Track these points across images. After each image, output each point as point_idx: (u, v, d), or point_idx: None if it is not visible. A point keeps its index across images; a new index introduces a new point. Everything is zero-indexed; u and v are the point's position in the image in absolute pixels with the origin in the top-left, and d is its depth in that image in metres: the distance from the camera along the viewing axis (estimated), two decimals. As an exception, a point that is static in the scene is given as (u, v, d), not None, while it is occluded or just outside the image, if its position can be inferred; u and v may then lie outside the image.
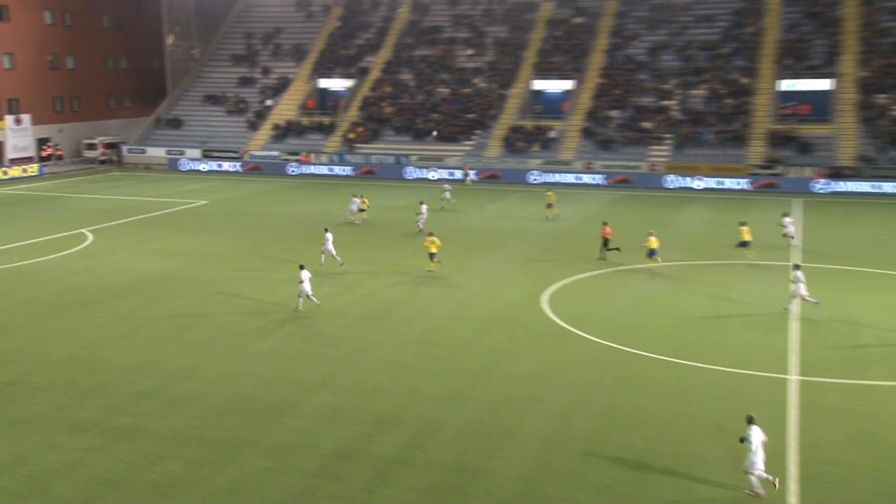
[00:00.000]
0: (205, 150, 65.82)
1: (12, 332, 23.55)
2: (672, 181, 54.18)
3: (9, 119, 62.00)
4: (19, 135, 63.04)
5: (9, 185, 55.04)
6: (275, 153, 64.17)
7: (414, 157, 61.07)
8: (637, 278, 29.23)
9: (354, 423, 17.59)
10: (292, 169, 62.17)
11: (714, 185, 53.10)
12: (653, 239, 30.72)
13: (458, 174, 57.41)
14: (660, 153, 56.86)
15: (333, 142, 64.96)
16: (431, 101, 65.94)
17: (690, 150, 56.33)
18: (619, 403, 18.38)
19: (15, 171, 58.60)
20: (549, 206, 42.57)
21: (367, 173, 60.61)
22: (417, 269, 30.84)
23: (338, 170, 60.91)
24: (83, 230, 38.69)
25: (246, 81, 72.99)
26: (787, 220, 34.84)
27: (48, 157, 65.05)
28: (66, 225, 40.07)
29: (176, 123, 69.96)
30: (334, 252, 30.73)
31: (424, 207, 37.91)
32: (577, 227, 38.94)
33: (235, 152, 65.26)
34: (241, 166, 63.62)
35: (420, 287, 28.40)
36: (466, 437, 16.89)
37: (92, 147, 68.21)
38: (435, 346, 22.37)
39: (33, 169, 60.23)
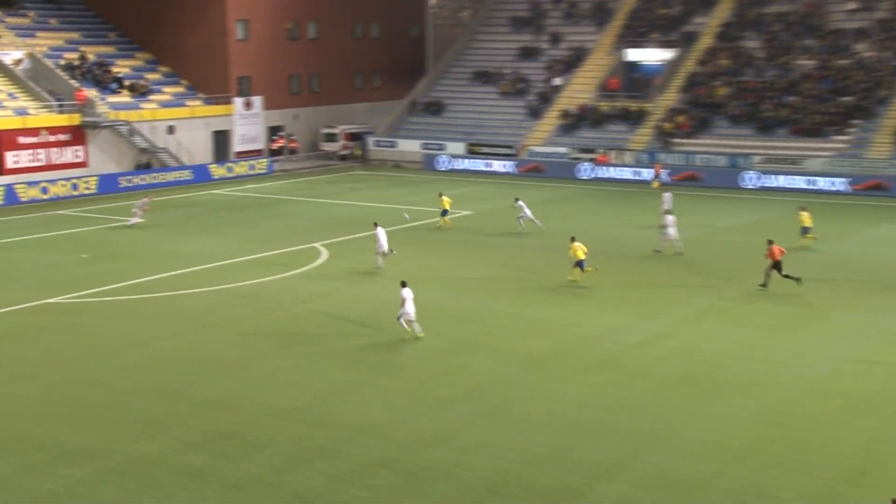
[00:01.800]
0: (470, 145, 68.67)
1: (231, 370, 25.88)
2: None
3: (237, 103, 69.25)
4: (249, 122, 70.13)
5: (232, 185, 61.32)
6: (562, 149, 65.27)
7: (757, 159, 59.00)
8: None
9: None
10: (585, 171, 62.81)
11: None
12: None
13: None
14: None
15: (642, 135, 64.69)
16: (787, 79, 63.41)
17: None
18: None
19: (241, 168, 65.24)
20: None
21: (687, 179, 59.54)
22: (760, 316, 29.75)
23: (647, 173, 60.50)
24: (316, 244, 41.86)
25: (528, 53, 75.25)
26: None
27: (279, 151, 71.65)
28: (297, 237, 43.59)
29: (435, 109, 73.79)
30: (385, 250, 36.36)
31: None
32: None
33: (510, 147, 67.35)
34: (517, 166, 65.47)
35: (761, 341, 27.53)
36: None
37: (332, 138, 73.99)
38: (782, 429, 21.45)
39: (262, 165, 66.64)
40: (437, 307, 31.74)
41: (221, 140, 68.45)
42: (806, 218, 40.25)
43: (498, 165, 66.13)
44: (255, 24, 70.79)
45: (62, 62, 63.21)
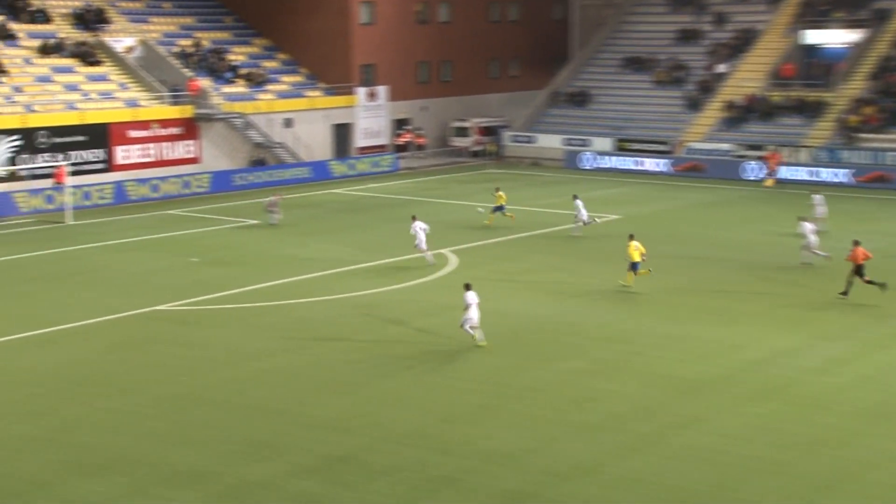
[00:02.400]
0: (619, 141, 68.24)
1: (349, 389, 26.33)
2: None
3: (361, 93, 70.39)
4: (372, 114, 71.22)
5: (353, 184, 62.36)
6: (725, 146, 64.24)
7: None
8: None
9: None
10: (752, 171, 61.64)
11: None
12: None
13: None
14: None
15: (821, 130, 63.11)
16: None
17: None
18: None
19: (363, 165, 66.32)
20: None
21: (875, 181, 57.90)
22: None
23: (826, 173, 59.02)
24: (444, 250, 42.22)
25: (688, 37, 74.37)
26: None
27: (405, 147, 72.52)
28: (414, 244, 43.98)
29: (580, 100, 73.54)
30: (424, 247, 38.91)
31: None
32: None
33: (664, 143, 66.68)
34: (672, 165, 64.80)
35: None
36: None
37: (463, 133, 74.49)
38: None
39: (386, 162, 67.57)
40: (575, 323, 31.65)
41: (342, 134, 69.70)
42: None
43: (650, 164, 65.53)
44: (381, 7, 71.79)
45: (175, 49, 65.40)
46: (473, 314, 28.82)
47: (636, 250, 35.03)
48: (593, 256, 41.24)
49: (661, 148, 66.35)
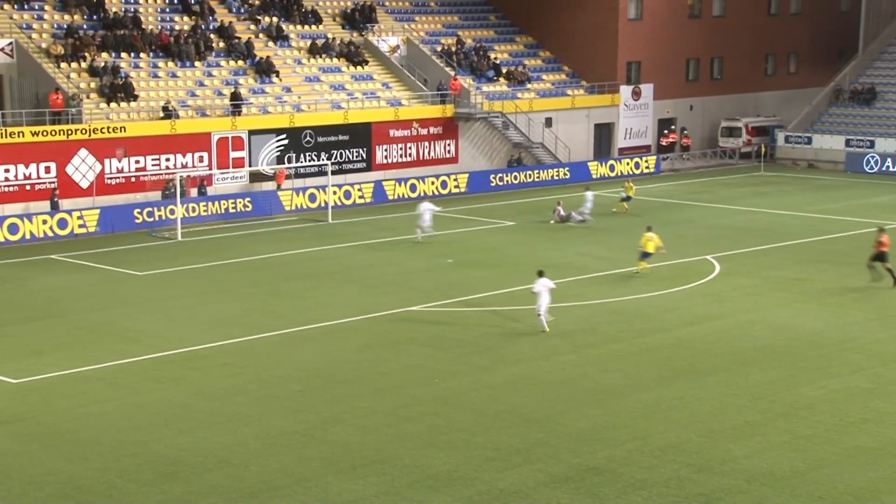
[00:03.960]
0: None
1: (605, 398, 26.26)
2: None
3: (624, 91, 69.98)
4: (636, 114, 70.66)
5: (614, 186, 62.04)
6: None
7: None
8: None
9: None
10: None
11: None
12: None
13: None
14: None
15: None
16: None
17: None
18: None
19: (624, 167, 65.90)
20: None
21: None
22: None
23: None
24: (709, 257, 41.47)
25: None
26: None
27: (670, 147, 71.60)
28: (686, 247, 43.40)
29: (866, 98, 70.69)
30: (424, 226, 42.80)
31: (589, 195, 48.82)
32: None
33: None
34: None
35: None
36: None
37: (732, 133, 72.83)
38: None
39: (648, 164, 66.91)
40: (853, 338, 30.50)
41: (604, 134, 69.51)
42: None
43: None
44: (651, 2, 71.00)
45: (438, 48, 66.96)
46: (543, 301, 30.97)
47: (650, 241, 38.00)
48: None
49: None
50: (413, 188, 57.94)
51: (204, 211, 51.07)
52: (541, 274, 31.20)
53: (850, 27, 78.30)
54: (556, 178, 62.70)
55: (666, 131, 72.17)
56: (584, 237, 46.40)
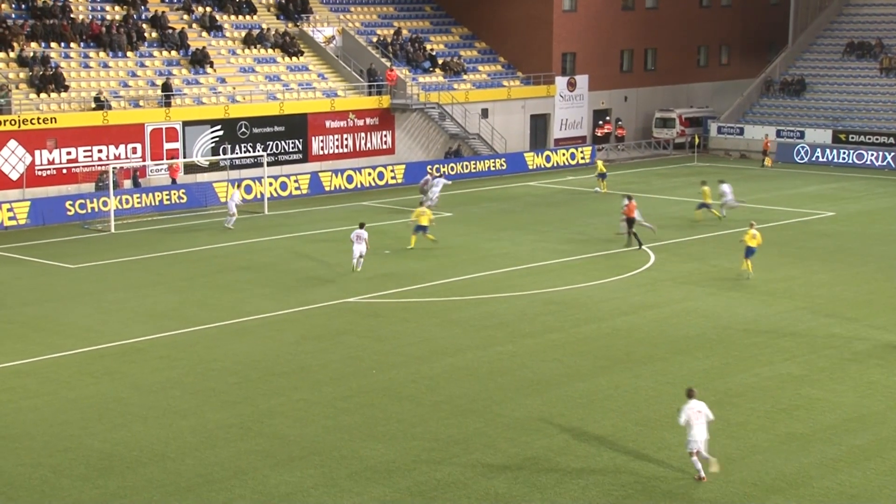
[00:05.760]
0: (837, 132, 66.06)
1: (542, 388, 26.38)
2: None
3: (559, 82, 70.27)
4: (571, 105, 71.03)
5: (548, 177, 62.36)
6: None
7: None
8: None
9: None
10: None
11: None
12: None
13: None
14: None
15: None
16: None
17: None
18: None
19: (560, 157, 66.19)
20: None
21: None
22: None
23: None
24: (643, 247, 41.80)
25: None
26: None
27: (605, 138, 72.04)
28: (621, 239, 43.68)
29: (796, 89, 71.60)
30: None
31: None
32: None
33: (889, 136, 64.12)
34: (895, 159, 62.28)
35: None
36: None
37: (666, 124, 73.47)
38: None
39: (584, 155, 67.25)
40: (784, 326, 30.91)
41: (540, 125, 69.81)
42: None
43: (871, 157, 63.25)
44: (585, -8, 71.52)
45: (374, 39, 66.75)
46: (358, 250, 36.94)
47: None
48: (806, 255, 40.20)
49: (886, 141, 63.85)
50: (350, 179, 57.76)
51: (138, 203, 50.50)
52: (361, 226, 37.75)
53: (779, 19, 79.39)
54: (492, 169, 62.83)
55: (601, 122, 72.61)
56: (520, 228, 46.53)
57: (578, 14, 71.22)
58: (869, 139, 64.67)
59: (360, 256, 37.69)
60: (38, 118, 50.40)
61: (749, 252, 36.40)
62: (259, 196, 52.44)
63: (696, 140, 70.15)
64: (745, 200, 50.06)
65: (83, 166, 51.76)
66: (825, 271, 37.99)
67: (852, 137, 65.43)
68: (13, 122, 49.46)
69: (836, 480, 20.68)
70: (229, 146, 56.07)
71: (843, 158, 64.16)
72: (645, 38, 75.16)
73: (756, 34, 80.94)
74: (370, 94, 62.11)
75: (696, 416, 20.84)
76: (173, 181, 53.54)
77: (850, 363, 27.75)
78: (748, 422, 23.76)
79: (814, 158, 65.25)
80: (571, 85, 70.66)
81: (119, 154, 52.78)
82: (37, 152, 50.30)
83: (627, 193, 45.33)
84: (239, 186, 48.81)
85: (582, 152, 67.17)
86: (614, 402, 25.21)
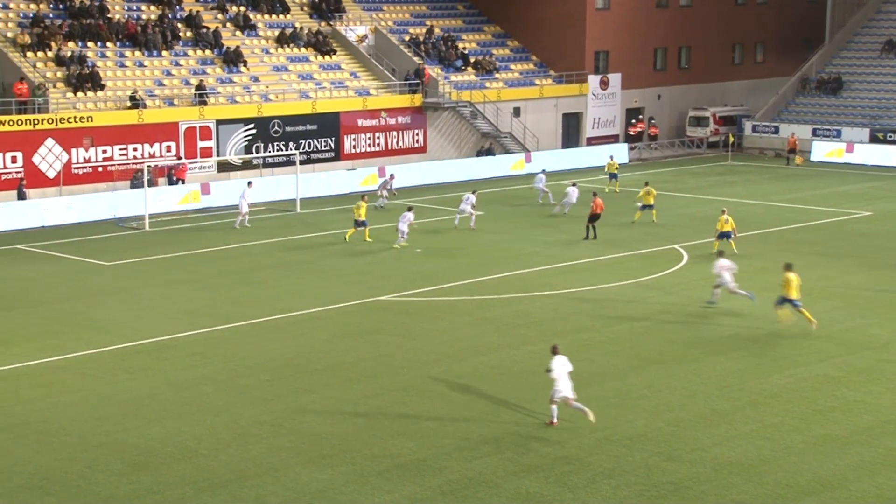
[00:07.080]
0: (874, 130, 65.49)
1: (577, 388, 26.30)
2: None
3: (592, 81, 70.04)
4: (604, 104, 70.79)
5: (583, 175, 62.20)
6: None
7: None
8: None
9: None
10: None
11: None
12: None
13: None
14: None
15: None
16: None
17: None
18: None
19: (591, 157, 65.86)
20: None
21: None
22: None
23: None
24: (676, 246, 41.61)
25: (953, 18, 70.73)
26: None
27: (637, 137, 71.73)
28: (654, 237, 43.54)
29: (832, 87, 71.13)
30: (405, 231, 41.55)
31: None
32: None
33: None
34: (932, 159, 61.96)
35: None
36: None
37: (700, 122, 73.06)
38: None
39: (618, 152, 66.85)
40: (827, 326, 30.66)
41: (572, 124, 69.61)
42: None
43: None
44: (618, -9, 71.29)
45: (406, 38, 66.78)
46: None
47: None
48: (842, 255, 39.90)
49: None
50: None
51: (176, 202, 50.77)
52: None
53: (816, 17, 78.83)
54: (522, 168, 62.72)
55: (634, 121, 72.33)
56: (551, 227, 46.44)
57: (612, 12, 70.95)
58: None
59: (403, 236, 40.88)
60: (75, 117, 50.80)
61: (722, 236, 39.22)
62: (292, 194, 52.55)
63: (731, 139, 69.72)
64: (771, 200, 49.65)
65: (118, 164, 52.10)
66: (862, 271, 37.71)
67: (890, 136, 64.84)
68: (50, 121, 49.87)
69: (872, 483, 20.51)
70: (262, 144, 56.26)
71: (882, 160, 63.43)
72: (679, 35, 74.78)
73: (792, 32, 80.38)
74: (402, 92, 62.12)
75: (560, 369, 23.52)
76: (181, 181, 53.23)
77: (888, 364, 27.54)
78: (783, 423, 23.61)
79: (847, 160, 64.68)
80: (604, 83, 70.42)
81: (154, 153, 53.13)
82: (73, 150, 50.68)
83: (594, 190, 46.51)
84: (250, 185, 48.79)
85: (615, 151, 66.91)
86: (647, 401, 25.12)
